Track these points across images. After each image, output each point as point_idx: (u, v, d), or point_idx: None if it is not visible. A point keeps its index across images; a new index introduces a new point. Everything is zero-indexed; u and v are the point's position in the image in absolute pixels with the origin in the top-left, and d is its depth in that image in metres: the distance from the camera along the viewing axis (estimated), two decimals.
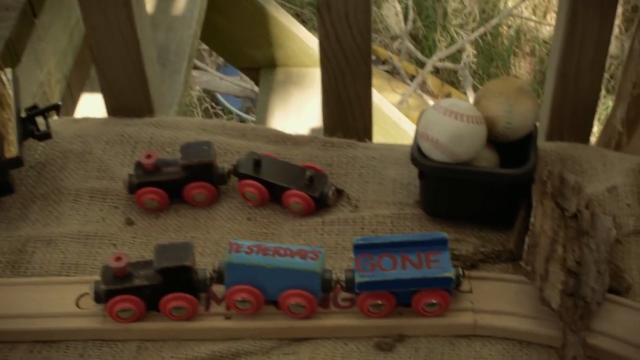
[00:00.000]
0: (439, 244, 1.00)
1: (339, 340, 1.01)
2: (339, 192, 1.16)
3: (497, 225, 1.11)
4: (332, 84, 1.28)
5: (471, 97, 2.98)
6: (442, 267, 0.98)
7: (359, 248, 1.00)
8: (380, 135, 2.22)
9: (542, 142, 1.23)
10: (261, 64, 2.38)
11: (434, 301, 0.99)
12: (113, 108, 1.33)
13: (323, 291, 1.00)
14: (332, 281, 1.00)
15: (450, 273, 0.98)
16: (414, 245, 1.00)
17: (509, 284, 1.03)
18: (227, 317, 1.02)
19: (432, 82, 3.23)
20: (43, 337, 1.02)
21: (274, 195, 1.15)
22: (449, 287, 0.99)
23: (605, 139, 1.38)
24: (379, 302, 0.99)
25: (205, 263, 1.08)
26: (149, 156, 1.14)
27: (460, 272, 0.99)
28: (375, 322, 1.01)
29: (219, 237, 1.12)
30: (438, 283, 0.98)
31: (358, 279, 0.98)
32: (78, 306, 1.04)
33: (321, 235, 1.12)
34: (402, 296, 0.99)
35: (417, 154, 1.08)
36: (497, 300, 1.02)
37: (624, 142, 1.36)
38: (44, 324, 1.02)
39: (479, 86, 3.16)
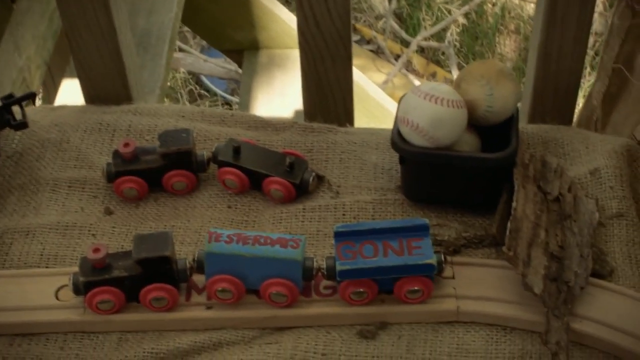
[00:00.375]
0: (421, 230, 0.99)
1: (322, 328, 1.00)
2: (320, 178, 1.15)
3: (480, 210, 1.10)
4: (311, 67, 1.27)
5: (456, 76, 2.96)
6: (424, 253, 0.97)
7: (339, 235, 0.99)
8: (364, 116, 2.21)
9: (524, 125, 1.22)
10: (244, 46, 2.36)
11: (416, 288, 0.98)
12: (91, 96, 1.32)
13: (304, 279, 0.99)
14: (313, 269, 0.99)
15: (432, 259, 0.97)
16: (395, 231, 0.99)
17: (492, 269, 1.03)
18: (208, 307, 1.01)
19: (417, 61, 3.21)
20: (22, 330, 1.01)
21: (254, 183, 1.14)
22: (431, 274, 0.98)
23: (587, 114, 1.37)
24: (361, 289, 0.98)
25: (186, 252, 1.07)
26: (126, 145, 1.13)
27: (442, 258, 0.99)
28: (357, 310, 1.00)
29: (200, 225, 1.11)
30: (420, 270, 0.97)
31: (339, 267, 0.97)
32: (58, 298, 1.03)
33: (302, 222, 1.11)
34: (384, 283, 0.98)
35: (397, 139, 1.07)
36: (480, 286, 1.01)
37: (600, 118, 1.35)
38: (23, 317, 1.01)
39: (464, 65, 3.14)
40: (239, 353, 0.98)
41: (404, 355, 0.98)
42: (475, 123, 1.09)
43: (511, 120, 1.09)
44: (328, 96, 1.29)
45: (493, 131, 1.10)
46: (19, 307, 1.02)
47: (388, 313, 1.00)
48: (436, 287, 1.00)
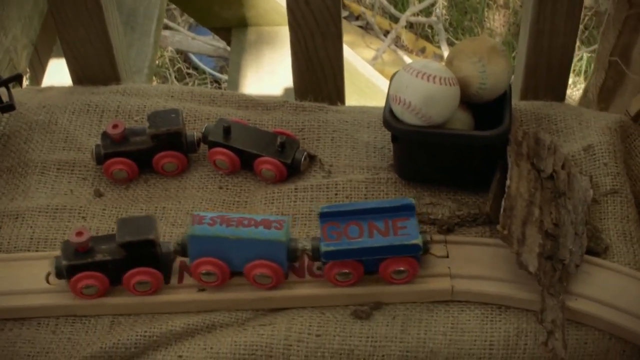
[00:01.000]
0: (406, 210, 0.98)
1: (315, 309, 0.99)
2: (312, 158, 1.14)
3: (473, 189, 1.09)
4: (301, 46, 1.25)
5: (446, 52, 2.94)
6: (410, 233, 0.96)
7: (324, 216, 0.98)
8: (354, 93, 2.20)
9: (516, 102, 1.22)
10: (232, 24, 2.34)
11: (401, 268, 0.97)
12: (78, 76, 1.30)
13: (289, 261, 0.98)
14: (297, 250, 0.98)
15: (417, 240, 0.96)
16: (381, 211, 0.98)
17: (486, 248, 1.02)
18: (201, 289, 1.00)
19: (407, 37, 3.20)
20: (13, 314, 1.00)
21: (245, 163, 1.13)
22: (417, 254, 0.97)
23: (585, 106, 1.36)
24: (346, 270, 0.97)
25: (177, 234, 1.07)
26: (115, 126, 1.12)
27: (429, 237, 0.98)
28: (351, 291, 0.99)
29: (191, 207, 1.10)
30: (405, 250, 0.96)
31: (324, 248, 0.96)
32: (48, 282, 1.02)
33: (294, 203, 1.10)
34: (370, 264, 0.98)
35: (389, 118, 1.06)
36: (475, 265, 1.00)
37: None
38: (13, 301, 1.00)
39: (453, 40, 3.13)
40: (232, 335, 0.98)
41: (398, 335, 0.97)
42: (468, 100, 1.08)
43: (504, 98, 1.08)
44: (319, 75, 1.28)
45: (485, 109, 1.09)
46: (9, 292, 1.01)
47: (382, 293, 0.99)
48: (430, 266, 1.00)
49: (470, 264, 1.00)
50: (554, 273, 0.97)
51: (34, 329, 1.00)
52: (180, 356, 0.97)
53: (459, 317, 0.98)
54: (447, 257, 1.01)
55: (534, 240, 0.98)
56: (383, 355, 0.97)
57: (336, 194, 1.10)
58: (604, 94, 1.28)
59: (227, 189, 1.13)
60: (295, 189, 1.11)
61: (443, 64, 1.08)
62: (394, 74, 1.08)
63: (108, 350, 0.97)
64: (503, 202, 1.00)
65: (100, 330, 0.99)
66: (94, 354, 0.97)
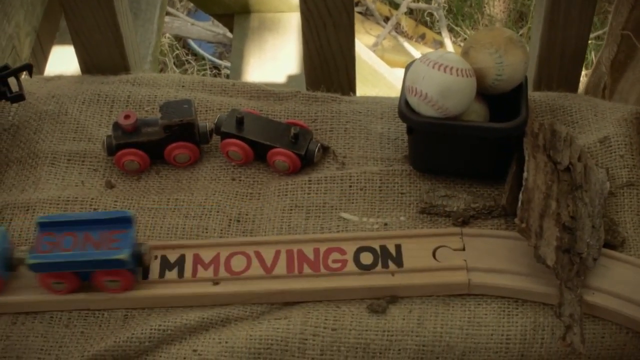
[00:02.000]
0: (124, 223, 0.97)
1: (331, 303, 0.99)
2: (325, 149, 1.13)
3: (489, 181, 1.08)
4: (313, 35, 1.24)
5: (446, 38, 2.93)
6: (120, 247, 0.95)
7: (43, 226, 0.98)
8: (357, 81, 2.19)
9: (530, 92, 1.21)
10: (235, 10, 2.32)
11: (111, 279, 0.97)
12: (87, 66, 1.29)
13: (7, 270, 0.98)
14: (13, 259, 0.98)
15: (123, 255, 0.95)
16: (99, 223, 0.97)
17: (503, 240, 1.01)
18: (215, 283, 1.00)
19: (407, 23, 3.18)
20: (26, 308, 1.00)
21: (259, 154, 1.12)
22: (123, 268, 0.96)
23: (595, 80, 1.35)
24: (59, 281, 0.97)
25: (190, 225, 1.06)
26: (127, 116, 1.11)
27: (144, 250, 0.97)
28: (367, 284, 0.99)
29: (203, 198, 1.09)
30: (110, 264, 0.95)
31: (30, 260, 0.96)
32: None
33: (308, 194, 1.09)
34: (84, 273, 0.97)
35: (405, 109, 1.05)
36: (491, 258, 1.00)
37: (608, 85, 1.33)
38: (26, 295, 0.99)
39: (453, 26, 3.12)
40: (247, 329, 0.97)
41: (415, 329, 0.97)
42: (484, 92, 1.07)
43: (520, 89, 1.07)
44: (330, 65, 1.27)
45: (500, 100, 1.08)
46: (22, 285, 1.00)
47: (398, 287, 0.99)
48: (447, 259, 0.99)
49: (487, 257, 1.00)
50: (571, 267, 0.97)
51: (46, 322, 0.99)
52: (194, 350, 0.96)
53: (475, 310, 0.97)
54: (464, 249, 1.00)
55: (552, 233, 0.97)
56: (399, 350, 0.96)
57: (350, 186, 1.09)
58: (615, 67, 1.27)
59: (240, 180, 1.12)
60: (309, 180, 1.10)
61: (459, 54, 1.07)
62: (409, 65, 1.07)
63: (122, 345, 0.96)
64: (521, 195, 0.99)
65: (114, 325, 0.99)
66: (107, 348, 0.96)
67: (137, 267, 0.98)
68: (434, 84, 1.02)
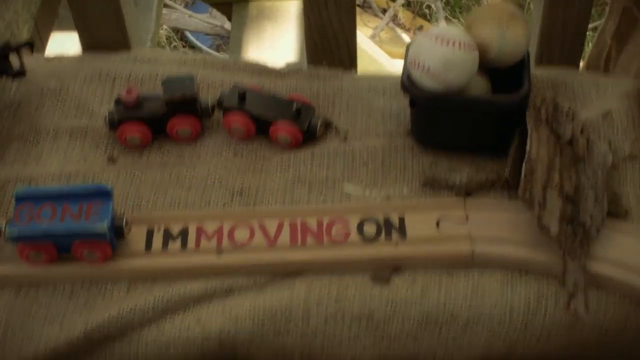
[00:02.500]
0: (102, 196, 0.98)
1: (335, 273, 0.99)
2: (327, 125, 1.13)
3: (491, 154, 1.08)
4: (314, 13, 1.24)
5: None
6: (99, 218, 0.96)
7: (20, 198, 0.98)
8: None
9: (532, 69, 1.20)
10: None
11: (92, 251, 0.97)
12: (88, 43, 1.29)
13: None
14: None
15: (102, 226, 0.95)
16: (77, 196, 0.98)
17: (506, 212, 1.01)
18: (219, 254, 1.00)
19: (404, 15, 3.18)
20: (29, 280, 0.99)
21: (261, 129, 1.12)
22: (102, 239, 0.97)
23: (597, 51, 1.34)
24: (38, 251, 0.98)
25: (192, 200, 1.06)
26: (129, 91, 1.11)
27: (123, 223, 0.98)
28: (370, 255, 0.99)
29: (206, 173, 1.09)
30: (90, 235, 0.96)
31: (8, 230, 0.96)
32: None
33: (310, 169, 1.09)
34: (62, 245, 0.98)
35: (407, 82, 1.05)
36: (494, 229, 1.00)
37: (612, 57, 1.32)
38: (29, 268, 0.99)
39: (451, 19, 3.12)
40: (251, 299, 0.97)
41: (418, 299, 0.97)
42: (487, 65, 1.07)
43: (522, 63, 1.07)
44: (332, 43, 1.27)
45: (502, 74, 1.08)
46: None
47: (402, 257, 0.99)
48: (450, 230, 0.99)
49: (490, 228, 1.00)
50: (574, 237, 0.97)
51: (49, 293, 0.99)
52: (199, 320, 0.96)
53: (479, 281, 0.97)
54: (467, 220, 1.01)
55: (555, 204, 0.98)
56: (403, 319, 0.97)
57: (353, 160, 1.09)
58: (617, 38, 1.27)
59: (242, 155, 1.12)
60: (312, 154, 1.10)
61: (462, 28, 1.07)
62: (413, 39, 1.07)
63: (125, 315, 0.96)
64: (524, 166, 0.99)
65: (117, 296, 0.99)
66: (110, 319, 0.96)
67: (115, 239, 0.99)
68: (437, 57, 1.02)
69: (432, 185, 1.06)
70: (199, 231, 1.01)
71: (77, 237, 0.96)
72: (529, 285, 0.97)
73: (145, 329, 0.97)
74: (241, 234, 1.01)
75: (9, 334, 0.97)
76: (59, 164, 1.11)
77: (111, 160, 1.12)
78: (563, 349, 0.98)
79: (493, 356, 0.98)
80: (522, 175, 0.98)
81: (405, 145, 1.10)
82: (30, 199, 0.98)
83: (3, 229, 0.97)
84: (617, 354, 1.00)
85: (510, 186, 1.04)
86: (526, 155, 1.00)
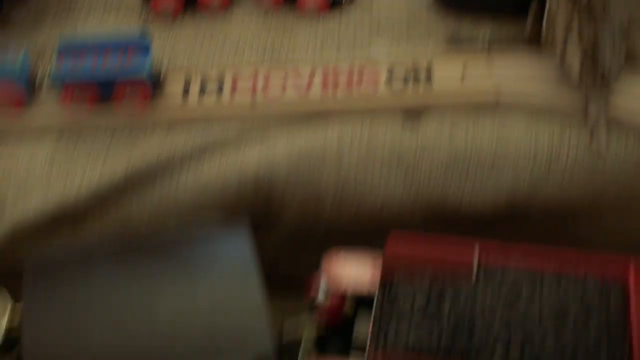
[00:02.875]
0: (142, 44, 1.03)
1: (366, 120, 1.02)
2: None
3: (512, 15, 1.12)
4: None
5: None
6: (140, 62, 1.01)
7: (62, 48, 1.03)
8: None
9: None
10: None
11: (133, 91, 1.02)
12: None
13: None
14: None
15: (144, 68, 1.01)
16: (119, 44, 1.03)
17: (529, 60, 1.05)
18: (253, 105, 1.03)
19: None
20: (70, 127, 1.03)
21: None
22: (146, 81, 1.01)
23: None
24: (83, 92, 1.02)
25: (226, 58, 1.09)
26: None
27: (163, 70, 1.05)
28: (399, 103, 1.03)
29: (237, 38, 1.13)
30: (134, 73, 1.01)
31: (53, 72, 1.01)
32: None
33: (338, 32, 1.13)
34: (105, 89, 1.02)
35: None
36: (519, 75, 1.04)
37: None
38: (71, 114, 1.03)
39: None
40: (285, 144, 1.01)
41: (446, 144, 1.01)
42: None
43: None
44: None
45: None
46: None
47: (430, 105, 1.03)
48: (476, 78, 1.03)
49: (515, 74, 1.04)
50: (595, 82, 1.01)
51: (91, 138, 1.03)
52: (235, 163, 1.00)
53: (505, 122, 1.01)
54: (492, 69, 1.04)
55: (575, 50, 1.02)
56: (431, 162, 1.00)
57: (379, 24, 1.13)
58: None
59: (271, 24, 1.15)
60: (339, 20, 1.14)
61: None
62: None
63: (164, 158, 1.00)
64: (545, 15, 1.03)
65: (157, 139, 1.02)
66: (151, 160, 1.00)
67: (154, 85, 1.03)
68: None
69: (457, 40, 1.10)
70: (234, 81, 1.05)
71: (120, 77, 1.00)
72: (552, 129, 1.01)
73: (185, 172, 1.00)
74: (275, 85, 1.04)
75: (53, 173, 1.00)
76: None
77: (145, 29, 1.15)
78: (584, 192, 1.01)
79: (517, 198, 1.02)
80: (544, 24, 1.02)
81: (429, 8, 1.14)
82: (73, 47, 1.02)
83: (48, 73, 1.00)
84: (634, 201, 1.04)
85: (532, 41, 1.08)
86: (546, 10, 1.04)
